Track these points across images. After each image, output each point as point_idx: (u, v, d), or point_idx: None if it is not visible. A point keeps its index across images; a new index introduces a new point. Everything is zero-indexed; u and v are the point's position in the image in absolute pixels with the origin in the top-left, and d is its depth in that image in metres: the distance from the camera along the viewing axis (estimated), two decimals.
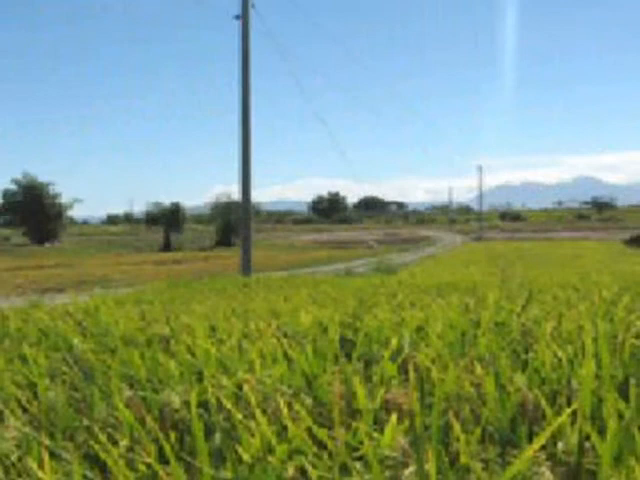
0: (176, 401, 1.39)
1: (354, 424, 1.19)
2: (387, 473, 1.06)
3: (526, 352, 1.74)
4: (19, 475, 1.16)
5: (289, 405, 1.27)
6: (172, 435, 1.21)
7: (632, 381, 1.36)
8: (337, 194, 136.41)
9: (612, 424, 1.04)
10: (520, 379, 1.41)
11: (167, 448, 1.08)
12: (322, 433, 1.15)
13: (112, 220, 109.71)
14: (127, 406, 1.34)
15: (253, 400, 1.29)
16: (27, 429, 1.30)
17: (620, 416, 1.15)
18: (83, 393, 1.57)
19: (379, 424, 1.26)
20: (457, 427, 1.10)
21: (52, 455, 1.19)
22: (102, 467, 1.16)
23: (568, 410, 1.11)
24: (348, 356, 1.78)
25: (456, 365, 1.50)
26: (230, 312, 3.50)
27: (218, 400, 1.36)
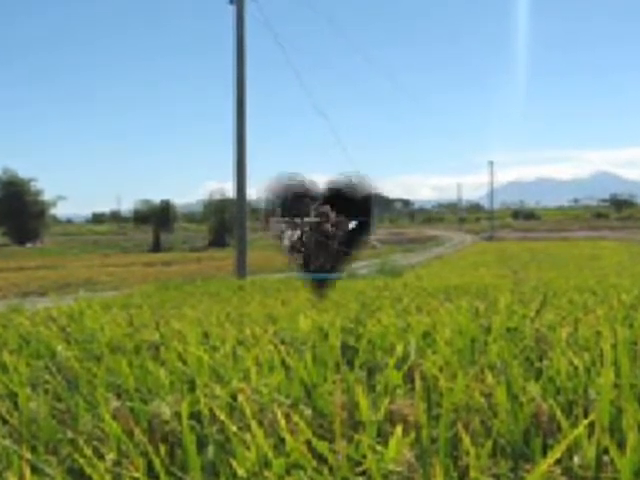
0: (166, 412, 1.39)
1: (356, 436, 1.19)
2: None
3: (540, 360, 1.74)
4: None
5: (287, 416, 1.27)
6: (162, 448, 1.21)
7: None
8: None
9: (632, 437, 1.04)
10: (534, 388, 1.41)
11: (157, 462, 1.09)
12: (322, 446, 1.15)
13: (98, 219, 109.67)
14: (114, 417, 1.34)
15: (248, 411, 1.29)
16: (7, 442, 1.30)
17: None
18: (67, 403, 1.57)
19: (383, 436, 1.26)
20: (466, 440, 1.10)
21: (34, 470, 1.19)
22: None
23: (585, 422, 1.11)
24: (350, 364, 1.78)
25: (465, 374, 1.50)
26: (224, 317, 3.50)
27: (211, 411, 1.36)
